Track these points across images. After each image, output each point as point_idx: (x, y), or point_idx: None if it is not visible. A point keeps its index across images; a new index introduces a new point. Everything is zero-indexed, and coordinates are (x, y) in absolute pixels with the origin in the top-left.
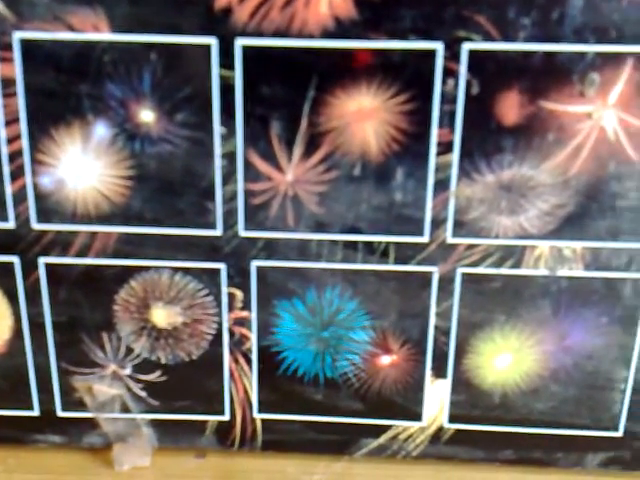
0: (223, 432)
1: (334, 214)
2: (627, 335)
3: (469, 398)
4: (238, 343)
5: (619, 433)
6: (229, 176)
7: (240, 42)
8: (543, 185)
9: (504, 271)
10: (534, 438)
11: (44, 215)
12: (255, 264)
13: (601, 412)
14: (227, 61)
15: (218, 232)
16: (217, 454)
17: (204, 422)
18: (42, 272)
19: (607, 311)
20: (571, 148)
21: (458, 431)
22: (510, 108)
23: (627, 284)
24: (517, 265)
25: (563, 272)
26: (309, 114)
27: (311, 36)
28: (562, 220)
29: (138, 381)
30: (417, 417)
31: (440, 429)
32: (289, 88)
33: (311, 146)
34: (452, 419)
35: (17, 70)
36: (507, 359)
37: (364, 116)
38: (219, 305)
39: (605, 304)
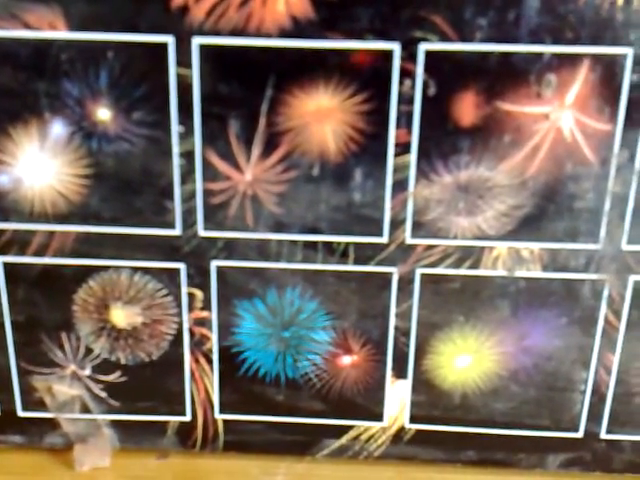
0: (185, 433)
1: (293, 214)
2: (586, 336)
3: (430, 398)
4: (199, 343)
5: (579, 434)
6: (188, 175)
7: (197, 41)
8: (500, 186)
9: (463, 272)
10: (495, 439)
11: (1, 214)
12: (215, 264)
13: (561, 413)
14: (184, 60)
15: (177, 232)
16: (179, 455)
17: (165, 423)
18: (0, 271)
19: (566, 312)
20: (528, 149)
21: (419, 431)
22: (467, 109)
23: (585, 285)
24: (475, 266)
25: (521, 273)
26: (267, 113)
27: (268, 35)
28: (519, 221)
29: (98, 382)
30: (378, 417)
31: (401, 429)
32: (247, 87)
33: (270, 146)
34: (413, 419)
35: None
36: (467, 360)
37: (322, 116)
38: (179, 305)
39: (564, 305)
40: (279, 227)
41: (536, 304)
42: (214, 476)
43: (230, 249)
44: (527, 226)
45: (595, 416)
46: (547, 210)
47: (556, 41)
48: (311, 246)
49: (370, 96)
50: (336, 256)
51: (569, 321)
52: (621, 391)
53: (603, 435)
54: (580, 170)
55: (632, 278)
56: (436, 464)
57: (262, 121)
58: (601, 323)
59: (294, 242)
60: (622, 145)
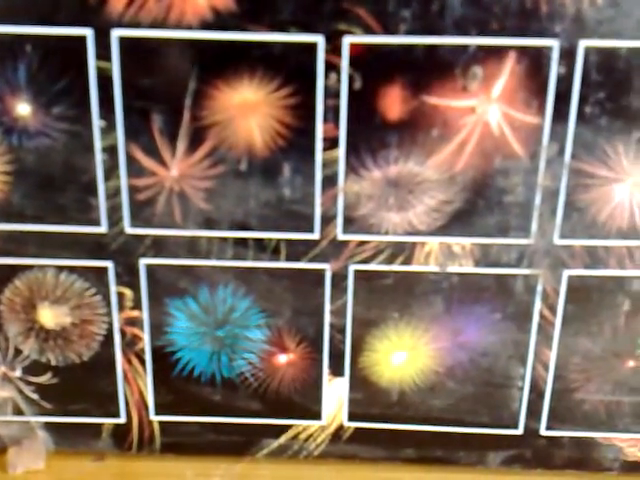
0: (120, 435)
1: (222, 210)
2: (521, 332)
3: (367, 396)
4: (130, 344)
5: (519, 431)
6: (111, 171)
7: (116, 33)
8: (430, 181)
9: (395, 268)
10: (435, 436)
11: None
12: (144, 262)
13: (500, 410)
14: (104, 53)
15: (103, 229)
16: (115, 457)
17: (100, 425)
18: None
19: (500, 307)
20: (456, 143)
21: (358, 430)
22: (393, 103)
23: (518, 280)
24: (408, 262)
25: (453, 269)
26: (191, 107)
27: (189, 27)
28: (450, 216)
29: (29, 383)
30: (316, 416)
31: (340, 428)
32: (169, 80)
33: (195, 140)
34: (352, 417)
35: None
36: (403, 356)
37: (248, 110)
38: (108, 305)
39: (497, 300)
40: (208, 224)
41: (470, 300)
42: (149, 478)
43: (159, 247)
44: (458, 221)
45: (534, 412)
46: (477, 205)
47: (481, 33)
48: (242, 243)
49: (295, 90)
50: (267, 253)
51: (503, 316)
52: (560, 387)
53: (543, 432)
54: (509, 164)
55: (566, 273)
56: (376, 462)
57: (186, 115)
58: (536, 318)
59: (224, 239)
60: (551, 138)
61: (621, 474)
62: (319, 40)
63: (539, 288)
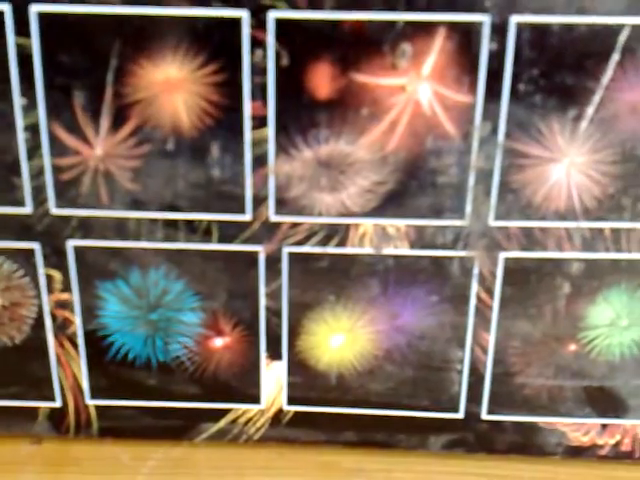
0: (57, 418)
1: (150, 191)
2: (458, 314)
3: (306, 379)
4: (62, 327)
5: (460, 415)
6: (34, 150)
7: (35, 8)
8: (362, 161)
9: (330, 250)
10: (375, 420)
11: None
12: (71, 244)
13: (440, 393)
14: (23, 29)
15: (28, 210)
16: (53, 441)
17: (36, 409)
18: None
19: (436, 290)
20: (387, 123)
21: (298, 413)
22: (322, 81)
23: (454, 262)
24: (342, 244)
25: (389, 251)
26: (113, 84)
27: (110, 2)
28: (383, 197)
29: None
30: (255, 400)
31: (280, 411)
32: (91, 57)
33: (119, 118)
34: (291, 401)
35: None
36: (340, 339)
37: (172, 87)
38: (37, 287)
39: (434, 283)
40: (136, 205)
41: (406, 282)
42: (85, 462)
43: (86, 228)
44: (391, 202)
45: (475, 396)
46: (411, 186)
47: (409, 8)
48: (172, 224)
49: (221, 67)
50: (199, 234)
51: (440, 299)
52: (500, 371)
53: (484, 416)
54: (441, 144)
55: (502, 255)
56: (316, 446)
57: (109, 92)
58: (473, 301)
59: (153, 220)
60: (484, 118)
61: (564, 459)
62: (244, 15)
63: (475, 270)
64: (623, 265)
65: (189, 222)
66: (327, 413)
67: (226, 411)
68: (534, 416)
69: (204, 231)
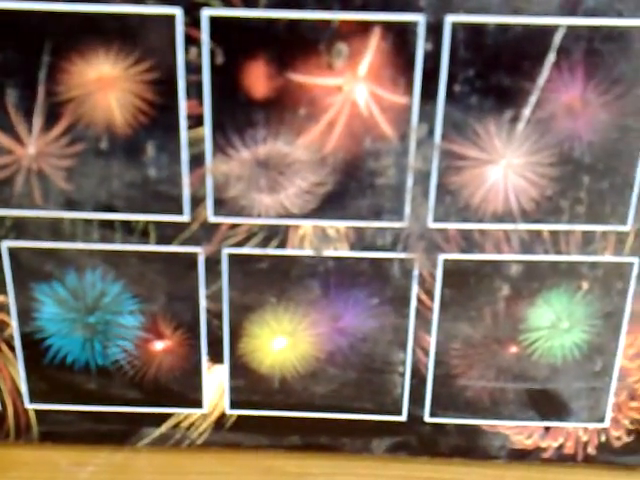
0: None
1: (85, 191)
2: (400, 317)
3: (249, 383)
4: None
5: (403, 418)
6: None
7: None
8: (300, 162)
9: (270, 251)
10: (318, 423)
11: None
12: (5, 245)
13: (383, 396)
14: None
15: None
16: None
17: None
18: None
19: (377, 292)
20: (324, 123)
21: (241, 417)
22: (258, 80)
23: (394, 264)
24: (282, 245)
25: (329, 252)
26: (46, 82)
27: None
28: (323, 199)
29: None
30: (197, 404)
31: (222, 416)
32: (22, 54)
33: (52, 117)
34: (234, 405)
35: None
36: (282, 342)
37: (105, 85)
38: None
39: (374, 285)
40: (71, 205)
41: (347, 284)
42: (24, 467)
43: (20, 229)
44: (331, 204)
45: (417, 399)
46: (349, 187)
47: (344, 7)
48: (108, 225)
49: (155, 64)
50: (136, 235)
51: (381, 301)
52: (441, 373)
53: (427, 418)
54: (379, 145)
55: (441, 257)
56: (260, 450)
57: (41, 90)
58: (414, 303)
59: (89, 221)
60: (420, 119)
61: (508, 462)
62: (177, 12)
63: (415, 272)
64: (562, 267)
65: (126, 223)
66: (270, 417)
67: (168, 415)
68: (477, 419)
69: (141, 232)
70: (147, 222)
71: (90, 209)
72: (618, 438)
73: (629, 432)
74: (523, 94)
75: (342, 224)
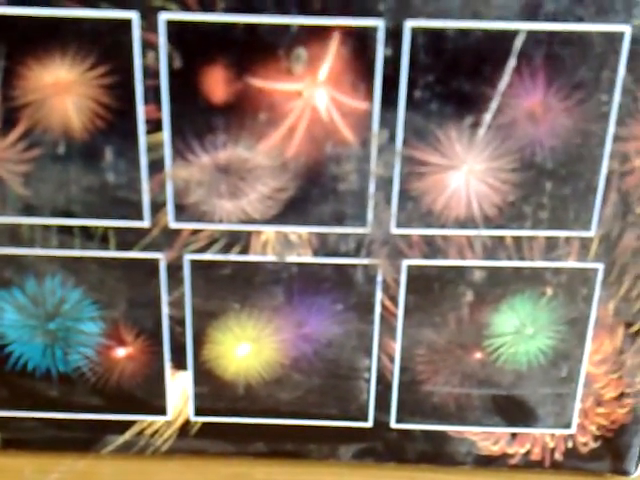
0: None
1: (43, 196)
2: (364, 323)
3: (213, 390)
4: None
5: (369, 424)
6: None
7: None
8: (261, 167)
9: (232, 257)
10: (284, 430)
11: None
12: None
13: (348, 402)
14: None
15: None
16: None
17: None
18: None
19: (341, 298)
20: (285, 129)
21: (206, 424)
22: (217, 84)
23: (358, 270)
24: (245, 251)
25: (292, 258)
26: (2, 87)
27: None
28: (284, 204)
29: None
30: (161, 411)
31: (187, 423)
32: None
33: (8, 122)
34: (198, 412)
35: None
36: (247, 348)
37: (62, 89)
38: None
39: (338, 291)
40: (29, 210)
41: (311, 290)
42: None
43: None
44: (293, 209)
45: (383, 405)
46: (311, 193)
47: (302, 12)
48: (66, 231)
49: (112, 69)
50: (95, 241)
51: (345, 307)
52: (407, 379)
53: (393, 424)
54: (341, 151)
55: (405, 263)
56: (226, 457)
57: None
58: (378, 309)
59: (47, 227)
60: (381, 124)
61: (475, 468)
62: (134, 16)
63: (379, 278)
64: (526, 273)
65: (85, 228)
66: (236, 424)
67: (131, 423)
68: (443, 425)
69: (101, 238)
70: (106, 228)
71: (48, 215)
72: (585, 444)
73: (596, 438)
74: (484, 99)
75: (305, 230)
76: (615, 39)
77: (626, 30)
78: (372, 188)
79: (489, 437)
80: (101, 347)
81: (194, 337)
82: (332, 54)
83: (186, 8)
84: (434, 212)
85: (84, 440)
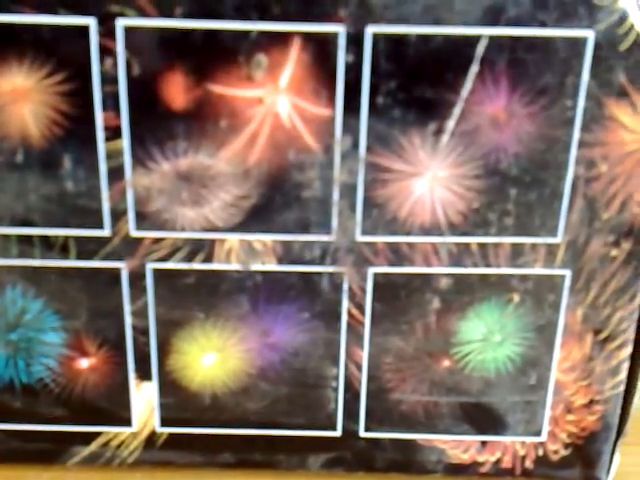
0: None
1: (1, 205)
2: (331, 331)
3: (179, 400)
4: None
5: (337, 433)
6: None
7: None
8: (223, 175)
9: (196, 266)
10: (252, 440)
11: None
12: None
13: (316, 411)
14: None
15: None
16: None
17: None
18: None
19: (307, 306)
20: (247, 136)
21: (172, 435)
22: (176, 91)
23: (324, 278)
24: (209, 260)
25: (257, 266)
26: None
27: None
28: (248, 212)
29: None
30: (127, 422)
31: (153, 434)
32: None
33: None
34: (164, 423)
35: None
36: (212, 358)
37: (19, 97)
38: None
39: (304, 299)
40: None
41: (276, 298)
42: None
43: None
44: (256, 217)
45: (352, 414)
46: (275, 200)
47: (262, 17)
48: (26, 240)
49: (69, 76)
50: (55, 251)
51: (312, 316)
52: (375, 387)
53: (362, 433)
54: (304, 158)
55: (371, 270)
56: (193, 468)
57: None
58: (345, 317)
59: (6, 236)
60: (344, 131)
61: (445, 476)
62: (91, 23)
63: (345, 286)
64: (492, 280)
65: (45, 238)
66: (203, 434)
67: (97, 434)
68: (412, 433)
69: (61, 247)
70: (67, 237)
71: (7, 224)
72: (555, 452)
73: (566, 445)
74: (447, 106)
75: (269, 238)
76: (579, 44)
77: (589, 35)
78: (336, 195)
79: (459, 445)
80: (64, 358)
81: (158, 347)
82: (293, 60)
83: (144, 14)
84: (399, 219)
85: (49, 452)
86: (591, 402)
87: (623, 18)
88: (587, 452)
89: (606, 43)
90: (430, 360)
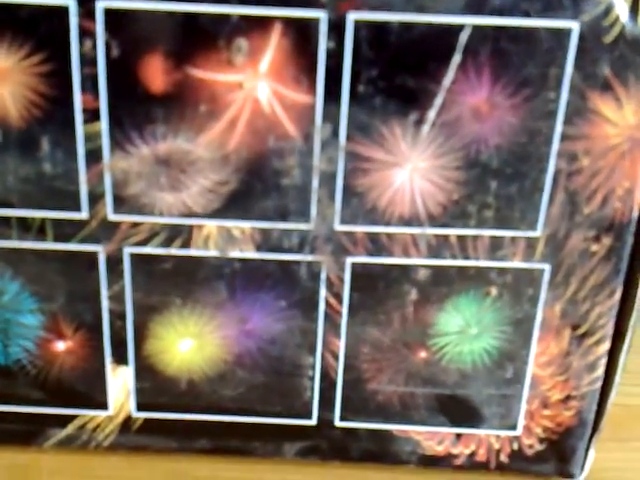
0: None
1: None
2: (308, 320)
3: (155, 385)
4: None
5: (313, 421)
6: None
7: None
8: (202, 160)
9: (174, 251)
10: (228, 426)
11: None
12: None
13: (292, 399)
14: None
15: None
16: None
17: None
18: None
19: (285, 294)
20: (226, 121)
21: (148, 420)
22: (156, 74)
23: (302, 266)
24: (186, 245)
25: (235, 253)
26: None
27: None
28: (226, 198)
29: None
30: (103, 406)
31: (129, 418)
32: None
33: None
34: (140, 407)
35: None
36: (189, 344)
37: None
38: None
39: (282, 287)
40: None
41: (254, 286)
42: None
43: None
44: (235, 203)
45: (327, 403)
46: (254, 187)
47: (244, 1)
48: (4, 222)
49: (48, 56)
50: (33, 233)
51: (289, 304)
52: (351, 377)
53: (337, 423)
54: (283, 145)
55: (349, 260)
56: (169, 453)
57: None
58: (322, 306)
59: None
60: (324, 119)
61: (419, 467)
62: (70, 3)
63: (323, 275)
64: (471, 272)
65: (22, 219)
66: (179, 420)
67: (73, 417)
68: (388, 423)
69: (38, 229)
70: (44, 219)
71: None
72: (530, 446)
73: (541, 440)
74: (428, 96)
75: (247, 225)
76: (563, 35)
77: (574, 26)
78: (315, 183)
79: (433, 437)
80: (41, 340)
81: (135, 332)
82: (273, 45)
83: None
84: (378, 209)
85: (25, 433)
86: (567, 397)
87: (608, 10)
88: (562, 447)
89: (591, 35)
90: (407, 351)
